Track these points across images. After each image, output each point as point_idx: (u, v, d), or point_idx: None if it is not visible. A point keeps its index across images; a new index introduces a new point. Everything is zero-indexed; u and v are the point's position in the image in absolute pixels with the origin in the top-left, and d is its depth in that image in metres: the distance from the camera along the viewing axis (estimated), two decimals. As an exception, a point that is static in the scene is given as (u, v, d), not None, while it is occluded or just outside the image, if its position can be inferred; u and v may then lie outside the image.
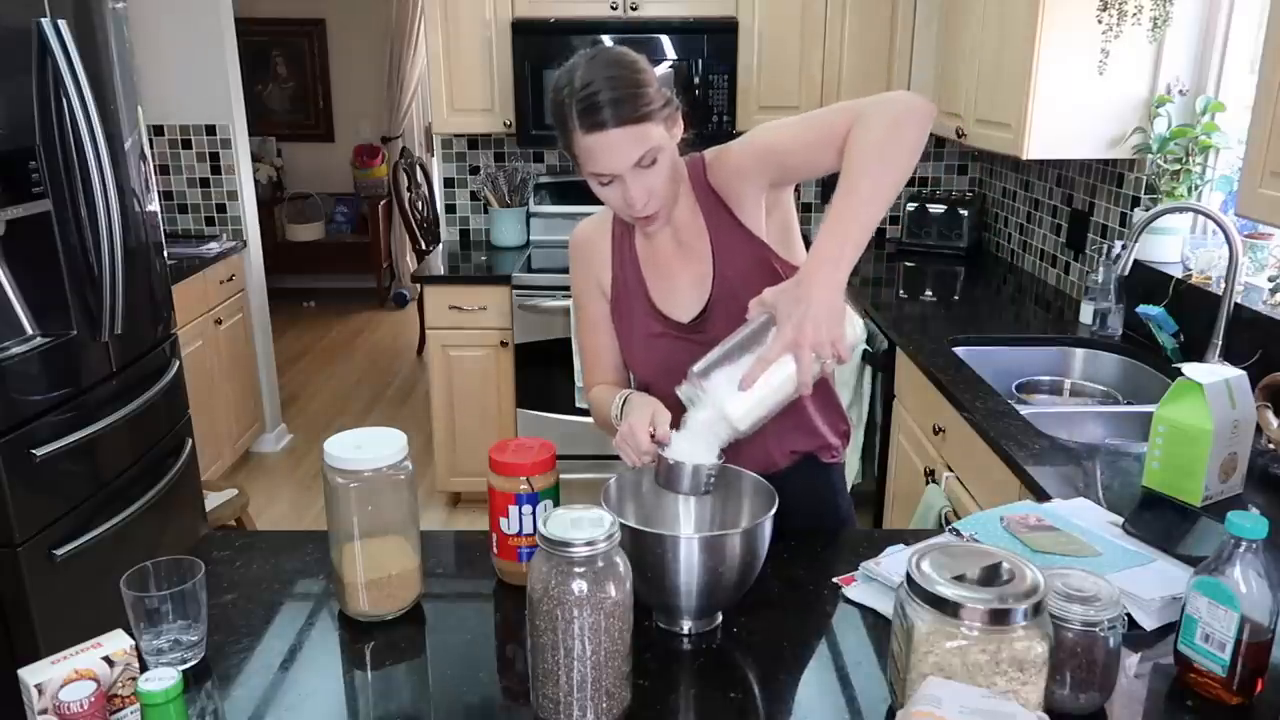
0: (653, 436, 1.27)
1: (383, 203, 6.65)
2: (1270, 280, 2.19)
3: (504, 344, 3.50)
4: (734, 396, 1.19)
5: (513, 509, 1.27)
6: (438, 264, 3.77)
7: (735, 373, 1.18)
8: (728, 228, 1.45)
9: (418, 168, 5.87)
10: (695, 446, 1.22)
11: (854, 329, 1.20)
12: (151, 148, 3.41)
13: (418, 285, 4.89)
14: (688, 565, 1.13)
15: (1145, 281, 2.52)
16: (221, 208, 4.05)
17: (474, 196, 4.05)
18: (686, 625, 1.20)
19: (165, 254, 2.76)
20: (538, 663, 1.01)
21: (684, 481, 1.22)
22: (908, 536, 1.42)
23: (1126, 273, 2.24)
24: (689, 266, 1.48)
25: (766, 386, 1.18)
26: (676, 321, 1.49)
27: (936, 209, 3.68)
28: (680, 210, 1.46)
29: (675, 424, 1.28)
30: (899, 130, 1.22)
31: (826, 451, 1.58)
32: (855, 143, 1.22)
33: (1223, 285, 2.17)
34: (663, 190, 1.37)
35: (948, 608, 0.94)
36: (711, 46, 3.43)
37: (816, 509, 1.57)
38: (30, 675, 0.95)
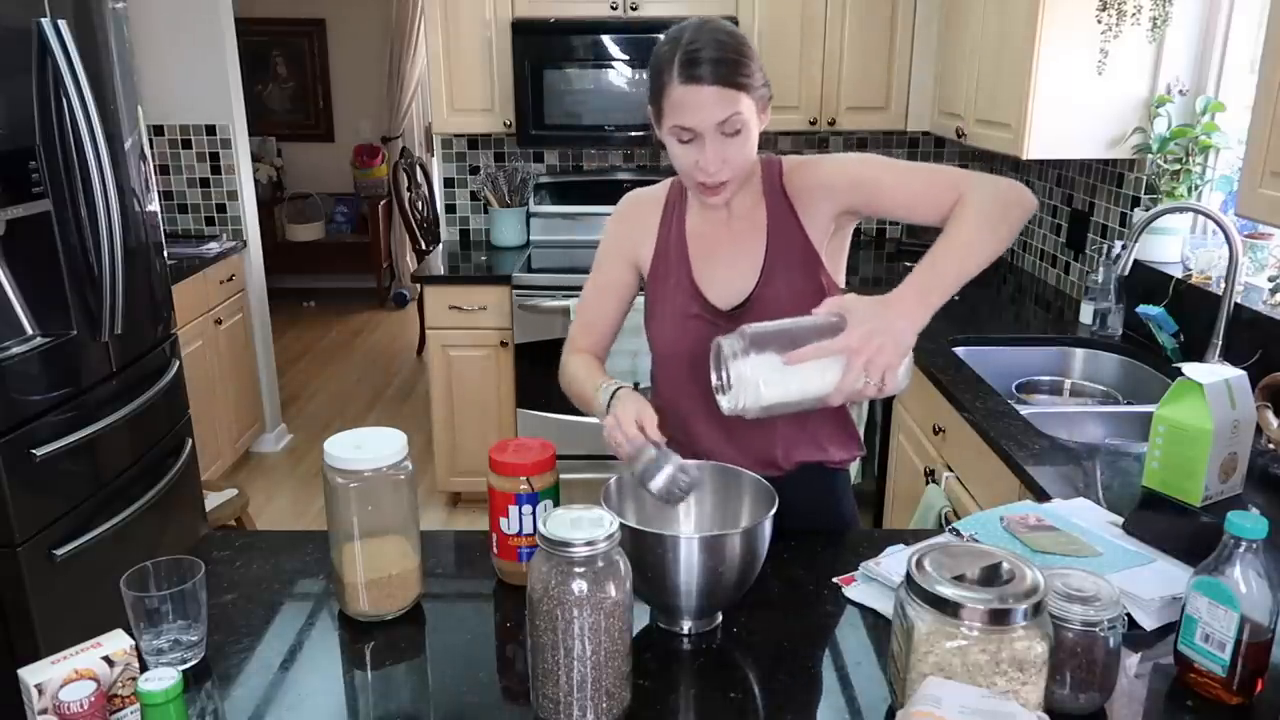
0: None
1: (383, 203, 6.64)
2: (1270, 280, 2.19)
3: (504, 344, 3.50)
4: (772, 367, 1.20)
5: (513, 509, 1.27)
6: (438, 264, 3.77)
7: (783, 351, 1.20)
8: (790, 232, 1.47)
9: (418, 168, 5.87)
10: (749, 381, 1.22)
11: (906, 375, 1.24)
12: (151, 148, 3.41)
13: (418, 285, 4.88)
14: (688, 565, 1.13)
15: (1145, 281, 2.52)
16: (221, 208, 4.05)
17: (474, 196, 4.05)
18: (686, 625, 1.20)
19: (165, 254, 2.76)
20: (538, 663, 1.01)
21: (656, 482, 1.24)
22: (908, 536, 1.43)
23: (1126, 273, 2.24)
24: (738, 255, 1.49)
25: (802, 377, 1.20)
26: (715, 306, 1.49)
27: (936, 209, 3.68)
28: (743, 199, 1.48)
29: (661, 425, 1.29)
30: (1010, 210, 1.32)
31: (832, 463, 1.58)
32: (973, 203, 1.31)
33: (1223, 285, 2.17)
34: (737, 165, 1.38)
35: (948, 608, 0.94)
36: (711, 46, 3.43)
37: (818, 512, 1.57)
38: (30, 675, 0.95)
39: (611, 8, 3.48)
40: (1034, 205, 1.35)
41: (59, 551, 2.18)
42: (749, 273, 1.47)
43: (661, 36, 1.40)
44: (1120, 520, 1.41)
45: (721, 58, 1.32)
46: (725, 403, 1.26)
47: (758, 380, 1.20)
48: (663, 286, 1.52)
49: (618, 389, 1.40)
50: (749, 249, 1.48)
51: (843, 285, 1.52)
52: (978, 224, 1.29)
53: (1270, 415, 1.80)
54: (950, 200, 1.35)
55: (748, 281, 1.47)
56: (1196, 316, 2.29)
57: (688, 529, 1.32)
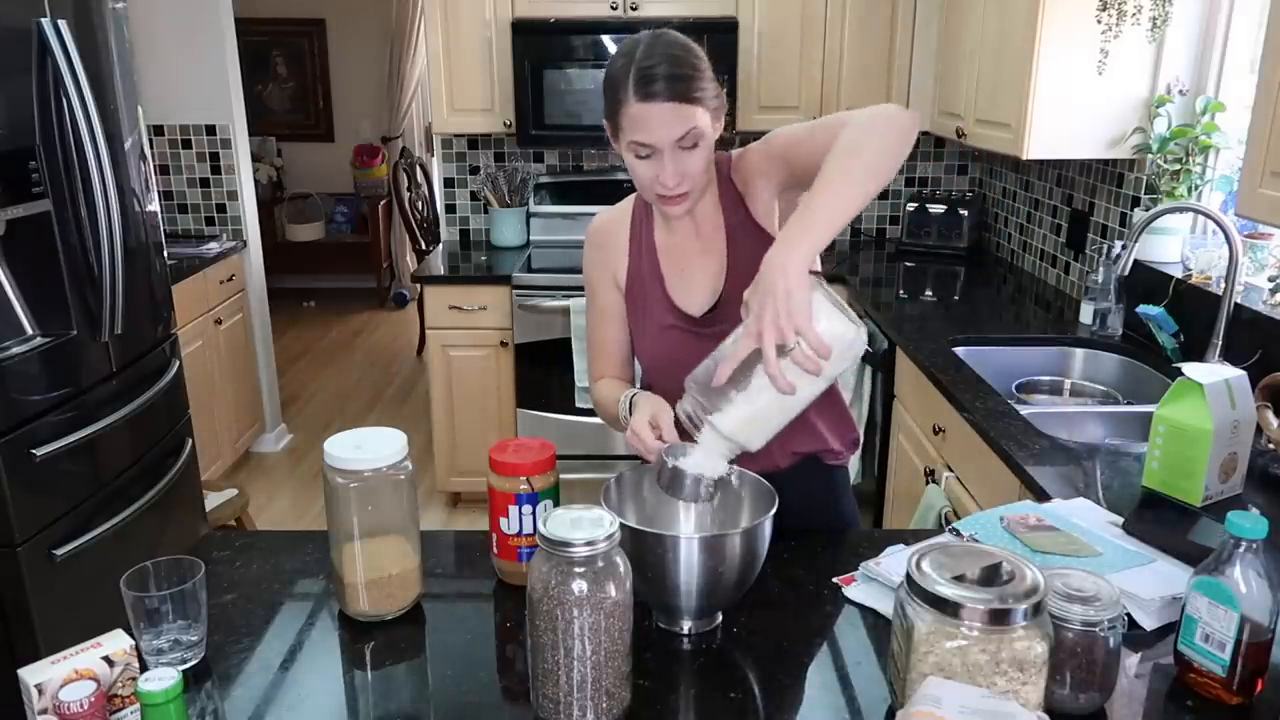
0: (660, 437, 1.28)
1: (383, 203, 6.64)
2: (1270, 280, 2.19)
3: (504, 344, 3.50)
4: (726, 410, 1.15)
5: (513, 509, 1.27)
6: (438, 264, 3.77)
7: (729, 386, 1.15)
8: (744, 224, 1.48)
9: (418, 168, 5.87)
10: (704, 458, 1.19)
11: (835, 322, 1.13)
12: (151, 148, 3.41)
13: (418, 285, 4.88)
14: (688, 565, 1.13)
15: (1145, 281, 2.52)
16: (221, 208, 4.05)
17: (474, 196, 4.05)
18: (686, 625, 1.20)
19: (165, 254, 2.76)
20: (538, 663, 1.01)
21: (683, 489, 1.20)
22: (908, 536, 1.43)
23: (1126, 273, 2.24)
24: (705, 260, 1.50)
25: (760, 399, 1.14)
26: (688, 314, 1.50)
27: (936, 209, 3.68)
28: (704, 204, 1.49)
29: (678, 423, 1.27)
30: (874, 133, 1.25)
31: (829, 454, 1.58)
32: (835, 141, 1.25)
33: (1223, 285, 2.17)
34: (695, 176, 1.39)
35: (948, 608, 0.94)
36: (711, 46, 3.35)
37: (817, 510, 1.57)
38: (30, 675, 0.95)
39: (611, 8, 3.48)
40: (911, 123, 1.28)
41: (59, 551, 2.18)
42: (717, 274, 1.49)
43: (619, 48, 1.39)
44: (1120, 520, 1.41)
45: (676, 74, 1.33)
46: (718, 454, 1.20)
47: (718, 427, 1.16)
48: (640, 302, 1.54)
49: (633, 395, 1.42)
50: (714, 250, 1.50)
51: (817, 266, 1.49)
52: (837, 156, 1.22)
53: (1270, 415, 1.80)
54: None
55: (717, 283, 1.49)
56: (1196, 316, 2.29)
57: (688, 529, 1.32)
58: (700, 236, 1.51)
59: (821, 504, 1.59)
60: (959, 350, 2.49)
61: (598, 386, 1.60)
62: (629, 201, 1.58)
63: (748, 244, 1.47)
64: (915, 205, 3.73)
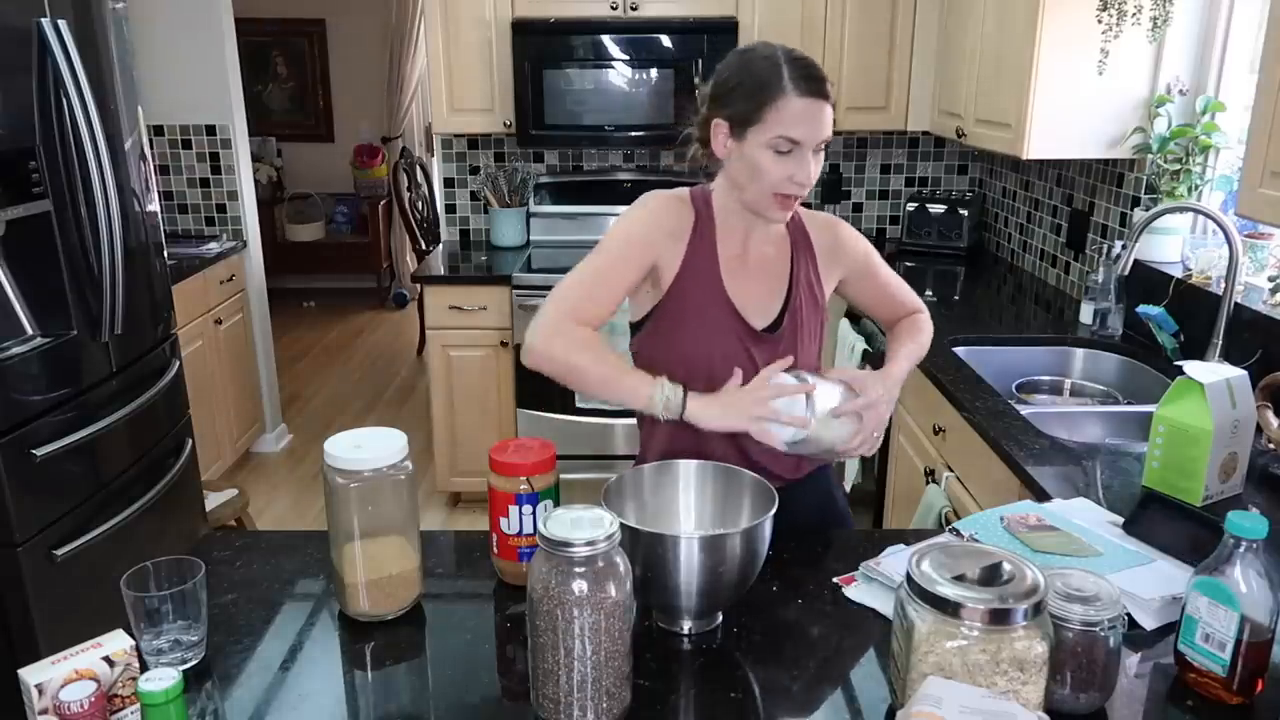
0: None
1: (383, 203, 6.64)
2: (1270, 280, 2.19)
3: (504, 344, 3.50)
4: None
5: (513, 509, 1.27)
6: (438, 264, 3.77)
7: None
8: (809, 266, 1.55)
9: (418, 168, 5.87)
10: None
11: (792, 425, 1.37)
12: (151, 148, 3.41)
13: (418, 285, 4.89)
14: (688, 565, 1.13)
15: (1145, 281, 2.52)
16: (221, 208, 4.05)
17: (474, 196, 4.04)
18: (686, 625, 1.20)
19: (165, 254, 2.76)
20: (538, 663, 1.01)
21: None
22: (908, 536, 1.43)
23: (1126, 273, 2.24)
24: (763, 277, 1.52)
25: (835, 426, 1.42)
26: (750, 325, 1.50)
27: (936, 209, 3.68)
28: (773, 223, 1.53)
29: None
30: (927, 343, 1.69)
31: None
32: (928, 334, 1.66)
33: (1223, 285, 2.17)
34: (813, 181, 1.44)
35: (948, 608, 0.94)
36: (711, 46, 3.43)
37: (824, 508, 1.59)
38: (30, 675, 0.95)
39: (611, 8, 3.47)
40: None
41: (59, 551, 2.18)
42: (776, 295, 1.52)
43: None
44: (1120, 520, 1.41)
45: (826, 78, 1.40)
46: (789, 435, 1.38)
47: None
48: (692, 301, 1.48)
49: (680, 389, 1.37)
50: (774, 272, 1.53)
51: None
52: (920, 348, 1.65)
53: (1270, 415, 1.80)
54: (904, 314, 1.67)
55: (775, 302, 1.52)
56: (1196, 316, 2.29)
57: (688, 529, 1.32)
58: (758, 253, 1.52)
59: (827, 500, 1.61)
60: (959, 350, 2.49)
61: (584, 331, 1.48)
62: (686, 195, 1.52)
63: (807, 284, 1.54)
64: (915, 205, 3.73)
